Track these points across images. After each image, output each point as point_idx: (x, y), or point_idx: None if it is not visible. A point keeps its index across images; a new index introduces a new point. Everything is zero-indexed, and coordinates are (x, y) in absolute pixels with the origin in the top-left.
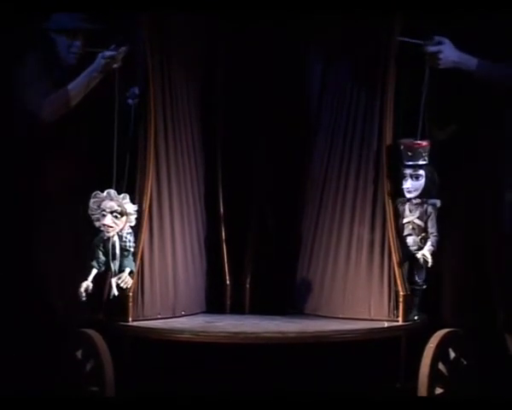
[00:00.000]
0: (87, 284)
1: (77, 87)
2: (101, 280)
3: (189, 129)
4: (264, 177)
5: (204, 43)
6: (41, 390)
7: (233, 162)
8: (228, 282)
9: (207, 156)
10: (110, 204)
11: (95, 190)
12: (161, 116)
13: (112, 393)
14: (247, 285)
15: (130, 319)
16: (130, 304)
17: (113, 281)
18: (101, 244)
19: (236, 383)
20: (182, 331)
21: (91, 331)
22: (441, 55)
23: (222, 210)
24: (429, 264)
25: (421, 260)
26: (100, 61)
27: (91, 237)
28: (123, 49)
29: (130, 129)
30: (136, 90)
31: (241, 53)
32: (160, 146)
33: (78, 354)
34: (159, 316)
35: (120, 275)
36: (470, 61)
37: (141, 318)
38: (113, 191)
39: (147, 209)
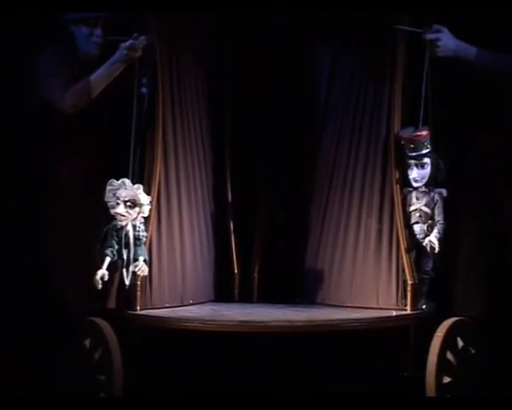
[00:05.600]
0: (102, 272)
1: (99, 78)
2: (112, 269)
3: (198, 118)
4: (272, 166)
5: (213, 35)
6: (50, 381)
7: (241, 151)
8: (236, 271)
9: (215, 146)
10: (124, 193)
11: (108, 180)
12: (169, 106)
13: (120, 382)
14: (256, 274)
15: (138, 308)
16: (139, 293)
17: (127, 269)
18: (115, 233)
19: (244, 371)
20: (190, 320)
21: (99, 320)
22: (440, 43)
23: (230, 199)
24: (436, 250)
25: (428, 246)
26: (122, 51)
27: (102, 226)
28: (142, 38)
29: (142, 118)
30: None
31: (249, 45)
32: (168, 136)
33: (87, 342)
34: (167, 305)
35: (136, 263)
36: (469, 50)
37: (149, 306)
38: (127, 181)
39: (155, 198)
